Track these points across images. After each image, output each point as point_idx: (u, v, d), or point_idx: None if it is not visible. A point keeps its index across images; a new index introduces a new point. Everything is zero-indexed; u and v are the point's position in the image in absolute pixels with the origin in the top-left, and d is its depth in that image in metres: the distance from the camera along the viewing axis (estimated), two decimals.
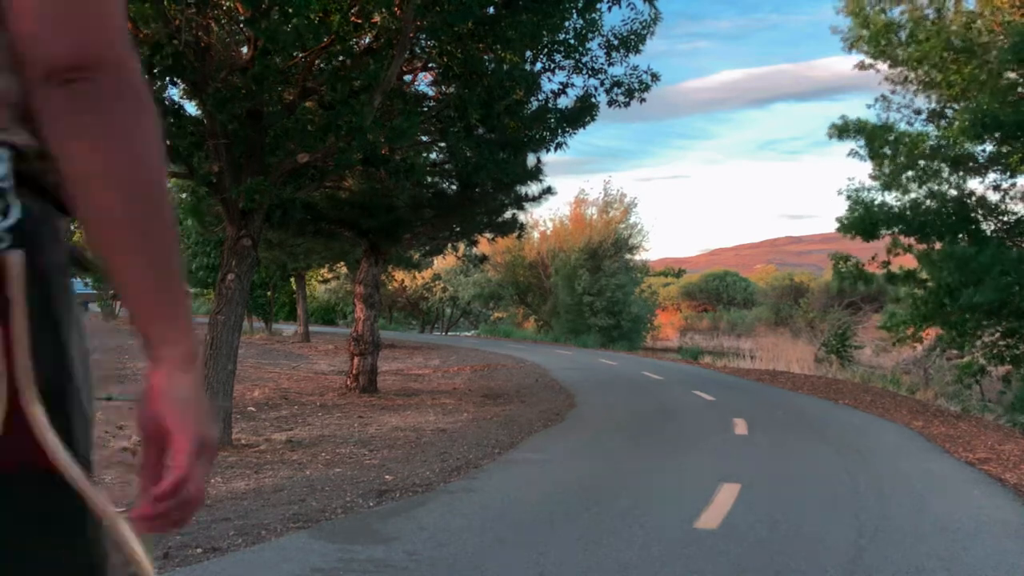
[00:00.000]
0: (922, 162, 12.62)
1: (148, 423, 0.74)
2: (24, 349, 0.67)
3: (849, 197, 13.04)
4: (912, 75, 12.69)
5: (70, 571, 0.74)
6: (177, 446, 0.73)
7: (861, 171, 13.77)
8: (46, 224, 0.73)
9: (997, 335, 12.82)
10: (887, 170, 12.88)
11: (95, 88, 0.69)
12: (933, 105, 13.21)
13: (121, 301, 0.88)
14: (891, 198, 13.01)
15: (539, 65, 9.29)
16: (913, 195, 12.79)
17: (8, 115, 0.70)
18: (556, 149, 10.25)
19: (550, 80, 9.56)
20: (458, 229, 13.68)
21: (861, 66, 13.13)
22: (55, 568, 0.72)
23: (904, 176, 12.75)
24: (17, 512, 0.69)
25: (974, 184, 13.07)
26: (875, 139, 12.74)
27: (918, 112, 13.43)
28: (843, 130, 12.99)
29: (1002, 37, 10.74)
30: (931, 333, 14.19)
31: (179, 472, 0.72)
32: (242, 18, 6.38)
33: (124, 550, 0.72)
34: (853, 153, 13.25)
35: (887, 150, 12.78)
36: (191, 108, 7.75)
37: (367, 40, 7.75)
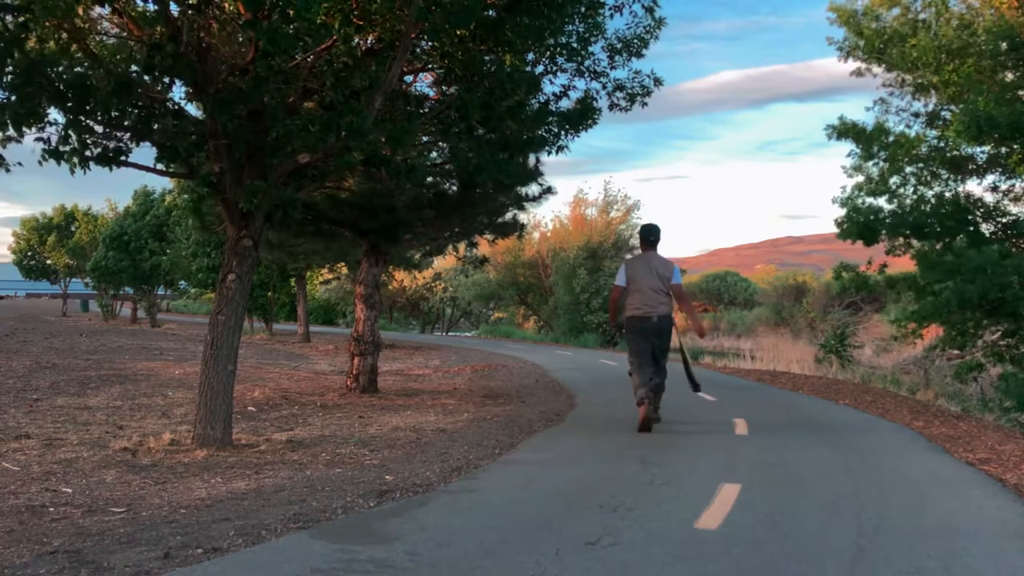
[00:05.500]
0: (911, 168, 12.62)
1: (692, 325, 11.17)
2: (681, 342, 9.15)
3: (844, 204, 13.05)
4: (908, 77, 12.71)
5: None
6: (697, 326, 10.06)
7: (855, 176, 13.90)
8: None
9: (997, 335, 12.81)
10: (875, 172, 12.90)
11: (686, 299, 8.60)
12: (931, 107, 13.22)
13: (688, 321, 10.43)
14: (888, 203, 13.03)
15: (540, 68, 9.30)
16: (909, 200, 12.79)
17: (670, 304, 8.29)
18: (558, 152, 10.26)
19: (552, 83, 9.57)
20: (458, 230, 13.68)
21: (858, 73, 13.17)
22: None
23: (892, 181, 12.76)
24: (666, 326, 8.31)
25: (972, 186, 13.11)
26: (871, 142, 12.73)
27: (916, 115, 13.45)
28: (841, 132, 13.00)
29: (993, 34, 10.72)
30: (932, 333, 14.16)
31: (701, 328, 10.33)
32: (243, 20, 6.38)
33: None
34: (852, 154, 13.26)
35: (881, 153, 12.78)
36: (192, 108, 7.76)
37: (369, 41, 7.76)
